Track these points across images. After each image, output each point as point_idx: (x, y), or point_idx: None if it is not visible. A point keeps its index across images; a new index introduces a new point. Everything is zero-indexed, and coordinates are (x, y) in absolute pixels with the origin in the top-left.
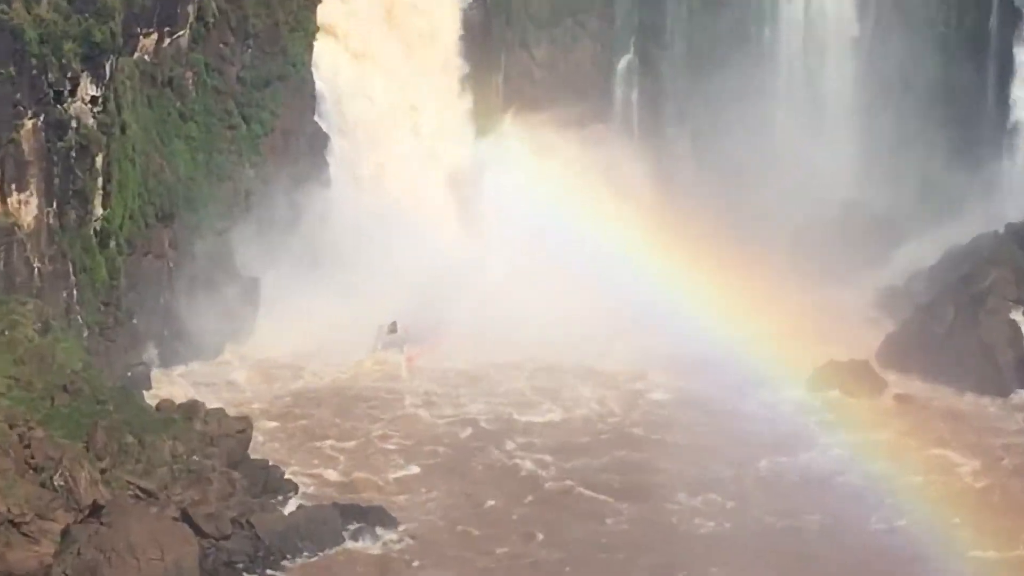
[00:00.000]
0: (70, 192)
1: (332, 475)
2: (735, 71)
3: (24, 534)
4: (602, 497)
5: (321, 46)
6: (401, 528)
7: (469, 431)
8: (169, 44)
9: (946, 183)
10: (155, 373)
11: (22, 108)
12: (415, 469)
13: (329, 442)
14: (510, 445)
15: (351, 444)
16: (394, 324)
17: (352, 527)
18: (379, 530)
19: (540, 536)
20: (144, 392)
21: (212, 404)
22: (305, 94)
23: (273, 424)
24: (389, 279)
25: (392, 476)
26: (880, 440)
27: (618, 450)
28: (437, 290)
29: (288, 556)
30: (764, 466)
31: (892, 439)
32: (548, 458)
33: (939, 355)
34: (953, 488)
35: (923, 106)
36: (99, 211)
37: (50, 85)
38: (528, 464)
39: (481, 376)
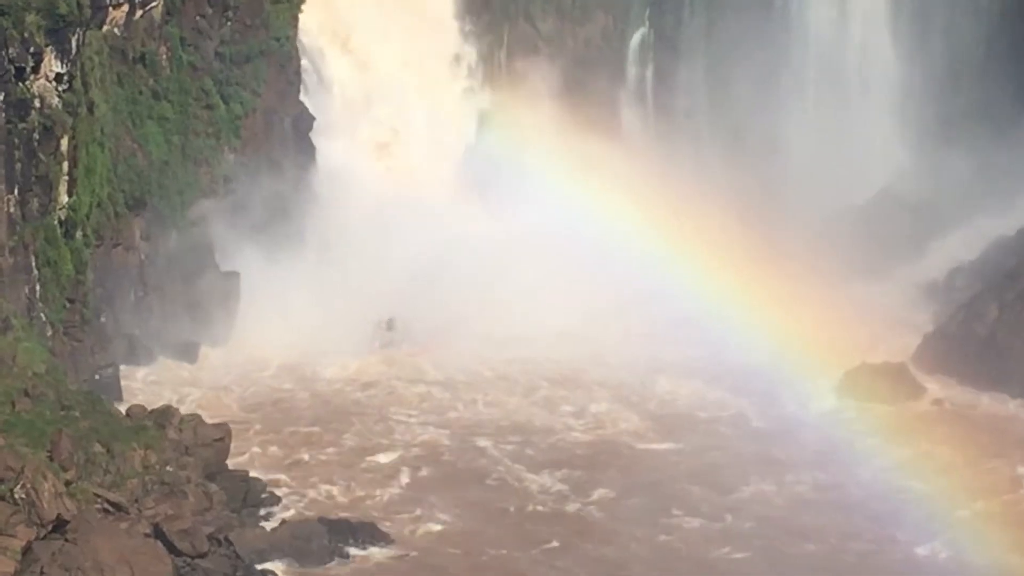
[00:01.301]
0: (32, 178)
1: (319, 488)
2: (759, 46)
3: None
4: (615, 516)
5: (307, 18)
6: (394, 545)
7: (470, 441)
8: (141, 16)
9: (992, 169)
10: (125, 376)
11: None
12: (410, 482)
13: (316, 452)
14: (513, 457)
15: (340, 454)
16: (391, 321)
17: (340, 544)
18: (370, 548)
19: (544, 558)
20: (113, 397)
21: (187, 410)
22: (289, 71)
23: (254, 432)
24: (382, 271)
25: (385, 490)
26: (920, 453)
27: (631, 463)
28: (436, 283)
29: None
30: (791, 483)
31: (933, 451)
32: (555, 472)
33: (982, 357)
34: (1011, 510)
35: (968, 83)
36: (64, 199)
37: (11, 61)
38: (533, 478)
39: (483, 379)
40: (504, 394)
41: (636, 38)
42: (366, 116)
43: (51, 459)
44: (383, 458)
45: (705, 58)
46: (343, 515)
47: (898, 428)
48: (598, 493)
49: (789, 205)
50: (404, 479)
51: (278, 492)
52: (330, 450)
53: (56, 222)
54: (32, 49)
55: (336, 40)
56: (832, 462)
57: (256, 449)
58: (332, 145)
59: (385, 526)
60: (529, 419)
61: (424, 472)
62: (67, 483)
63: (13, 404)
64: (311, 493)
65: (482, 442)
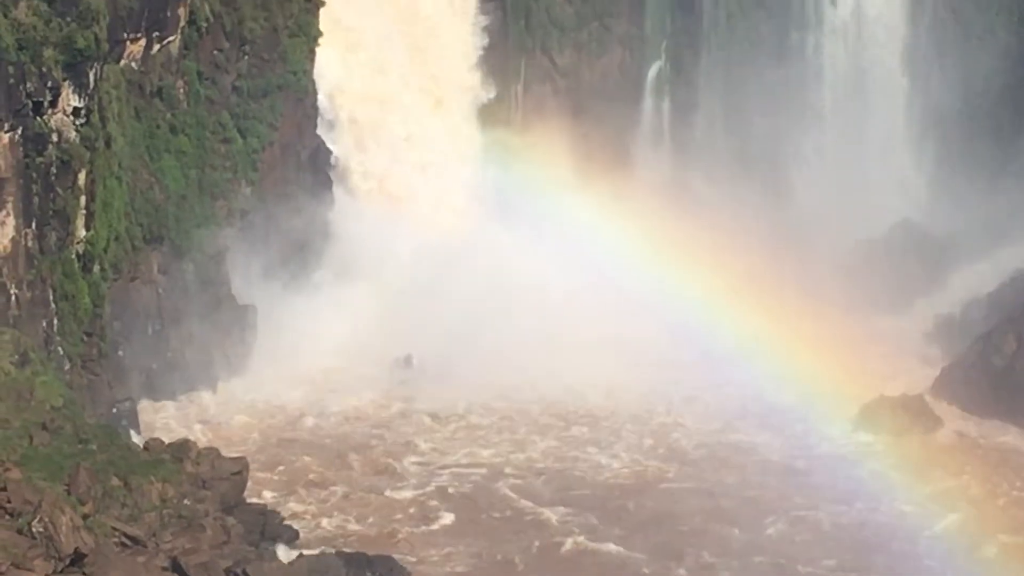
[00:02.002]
0: (50, 212)
1: (336, 522)
2: (775, 80)
3: None
4: (637, 554)
5: (324, 53)
6: None
7: (489, 477)
8: (158, 51)
9: (1009, 201)
10: (142, 409)
11: None
12: (428, 517)
13: (333, 486)
14: (533, 494)
15: (357, 488)
16: (409, 357)
17: None
18: None
19: None
20: (130, 430)
21: (205, 443)
22: (306, 105)
23: (272, 465)
24: (400, 306)
25: (403, 524)
26: (942, 488)
27: (652, 501)
28: (452, 317)
29: None
30: (812, 521)
31: (954, 486)
32: (572, 511)
33: (999, 390)
34: None
35: (985, 118)
36: (82, 233)
37: (28, 95)
38: (550, 516)
39: (502, 417)
40: (524, 431)
41: (653, 71)
42: (380, 150)
43: (69, 493)
44: (400, 493)
45: (722, 91)
46: (360, 549)
47: (918, 462)
48: (619, 531)
49: (806, 238)
50: (422, 514)
51: (296, 525)
52: (348, 484)
53: (74, 256)
54: (50, 83)
55: (350, 71)
56: (853, 499)
57: (274, 482)
58: (348, 178)
59: (402, 560)
60: (550, 457)
61: (442, 507)
62: (85, 517)
63: (31, 438)
64: (328, 527)
65: (501, 479)
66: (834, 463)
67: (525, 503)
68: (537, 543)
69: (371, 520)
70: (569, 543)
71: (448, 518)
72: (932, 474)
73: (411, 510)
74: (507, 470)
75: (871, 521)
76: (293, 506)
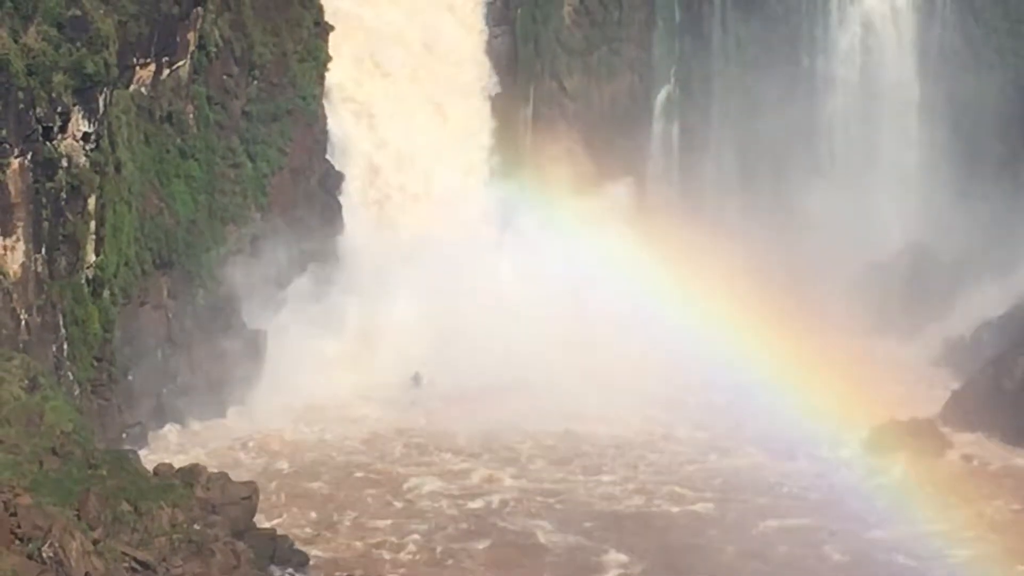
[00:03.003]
0: (60, 237)
1: (347, 546)
2: (786, 104)
3: None
4: None
5: (334, 77)
6: None
7: (500, 505)
8: (168, 75)
9: (1019, 224)
10: (152, 434)
11: (8, 146)
12: (439, 544)
13: (343, 510)
14: (542, 522)
15: (367, 513)
16: (417, 375)
17: None
18: None
19: None
20: (140, 455)
21: (214, 468)
22: (316, 130)
23: (282, 490)
24: (410, 329)
25: (413, 550)
26: (959, 515)
27: (663, 530)
28: (462, 339)
29: None
30: (829, 552)
31: (971, 513)
32: (583, 539)
33: (1010, 413)
34: None
35: (996, 141)
36: (91, 258)
37: (38, 120)
38: (562, 542)
39: (512, 441)
40: (528, 453)
41: (662, 96)
42: (389, 173)
43: (79, 518)
44: (412, 519)
45: (731, 116)
46: (370, 574)
47: (932, 488)
48: (633, 560)
49: (815, 261)
50: (432, 539)
51: (306, 551)
52: (358, 509)
53: (83, 281)
54: (59, 108)
55: (360, 94)
56: (870, 526)
57: (284, 507)
58: (358, 202)
59: None
60: (557, 483)
61: (453, 533)
62: (95, 542)
63: (41, 463)
64: (339, 551)
65: (511, 505)
66: (849, 491)
67: (535, 530)
68: (549, 569)
69: (381, 545)
70: (577, 570)
71: (457, 543)
72: (949, 500)
73: (422, 536)
74: (516, 496)
75: (893, 549)
76: (303, 531)
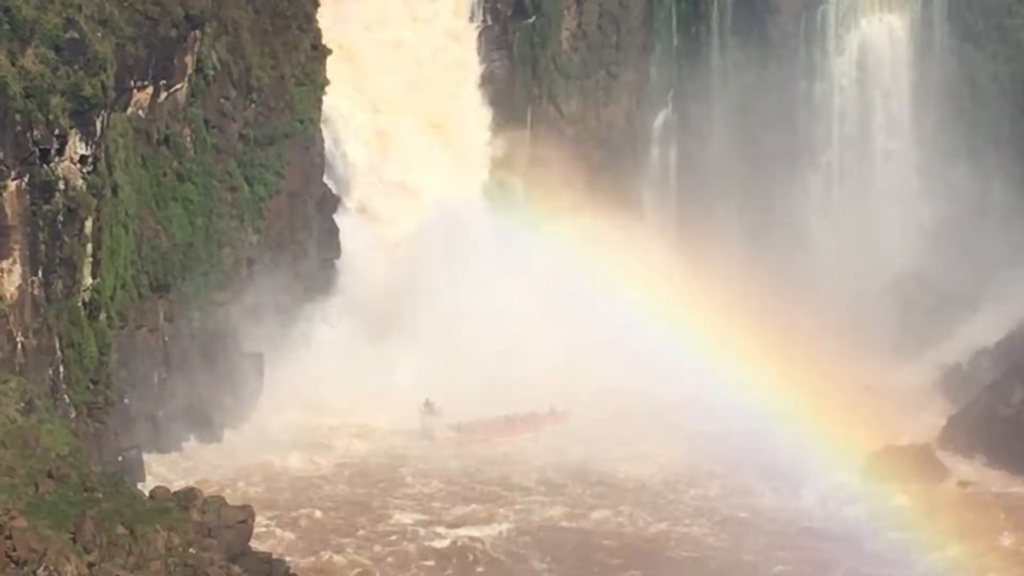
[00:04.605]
0: (57, 260)
1: (342, 571)
2: (783, 129)
3: None
4: None
5: (331, 101)
6: None
7: (499, 534)
8: (165, 99)
9: (1017, 251)
10: (148, 458)
11: (5, 168)
12: (434, 568)
13: (339, 535)
14: (537, 557)
15: (363, 538)
16: (428, 403)
17: None
18: None
19: None
20: (136, 479)
21: (210, 491)
22: (313, 153)
23: (278, 514)
24: (411, 356)
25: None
26: (963, 551)
27: (656, 563)
28: (461, 364)
29: None
30: None
31: (974, 548)
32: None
33: (1006, 439)
34: None
35: (993, 166)
36: (88, 281)
37: (35, 143)
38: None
39: (512, 472)
40: (530, 487)
41: (659, 120)
42: (386, 196)
43: (74, 541)
44: (408, 544)
45: (728, 140)
46: None
47: (927, 514)
48: None
49: (812, 287)
50: (427, 564)
51: (302, 573)
52: (356, 534)
53: (80, 304)
54: (57, 131)
55: (356, 112)
56: (871, 560)
57: (279, 531)
58: (356, 225)
59: None
60: (560, 517)
61: (450, 562)
62: (90, 565)
63: (36, 486)
64: (335, 573)
65: (510, 540)
66: (850, 524)
67: (534, 562)
68: None
69: (376, 569)
70: None
71: (451, 566)
72: (942, 526)
73: (419, 562)
74: (517, 527)
75: None
76: (299, 555)
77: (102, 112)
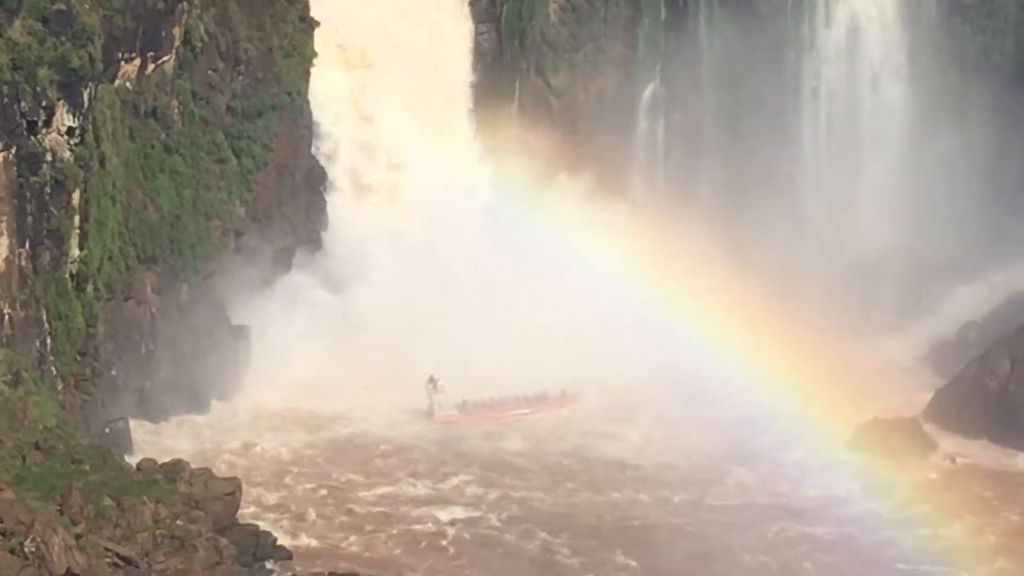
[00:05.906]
0: (44, 231)
1: (330, 542)
2: (771, 102)
3: None
4: None
5: (319, 73)
6: None
7: (492, 513)
8: (153, 70)
9: (1005, 225)
10: (135, 429)
11: None
12: (426, 543)
13: (326, 507)
14: (536, 533)
15: (351, 510)
16: (432, 379)
17: None
18: None
19: None
20: (123, 451)
21: (197, 464)
22: (301, 126)
23: (264, 485)
24: (395, 326)
25: (398, 546)
26: (957, 531)
27: (651, 540)
28: (458, 341)
29: None
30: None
31: (958, 519)
32: (577, 546)
33: (993, 412)
34: None
35: (981, 139)
36: (75, 252)
37: (23, 115)
38: (556, 552)
39: (512, 456)
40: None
41: (647, 93)
42: (374, 166)
43: (61, 513)
44: (395, 516)
45: (716, 112)
46: (354, 570)
47: (913, 486)
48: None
49: (800, 259)
50: (419, 538)
51: (288, 546)
52: (343, 506)
53: (67, 276)
54: (44, 103)
55: (344, 84)
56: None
57: (267, 502)
58: (343, 197)
59: None
60: (550, 494)
61: (441, 534)
62: (77, 537)
63: (24, 458)
64: (322, 547)
65: (505, 517)
66: (834, 492)
67: (529, 541)
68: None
69: (365, 542)
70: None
71: (445, 543)
72: (930, 500)
73: (407, 534)
74: (512, 506)
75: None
76: (286, 526)
77: (89, 84)
